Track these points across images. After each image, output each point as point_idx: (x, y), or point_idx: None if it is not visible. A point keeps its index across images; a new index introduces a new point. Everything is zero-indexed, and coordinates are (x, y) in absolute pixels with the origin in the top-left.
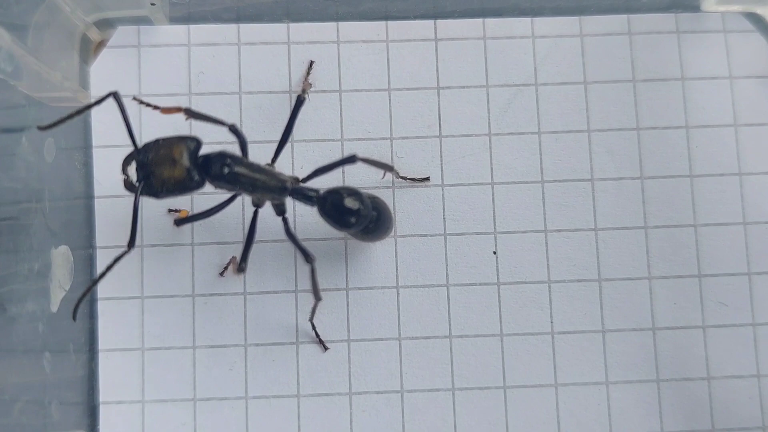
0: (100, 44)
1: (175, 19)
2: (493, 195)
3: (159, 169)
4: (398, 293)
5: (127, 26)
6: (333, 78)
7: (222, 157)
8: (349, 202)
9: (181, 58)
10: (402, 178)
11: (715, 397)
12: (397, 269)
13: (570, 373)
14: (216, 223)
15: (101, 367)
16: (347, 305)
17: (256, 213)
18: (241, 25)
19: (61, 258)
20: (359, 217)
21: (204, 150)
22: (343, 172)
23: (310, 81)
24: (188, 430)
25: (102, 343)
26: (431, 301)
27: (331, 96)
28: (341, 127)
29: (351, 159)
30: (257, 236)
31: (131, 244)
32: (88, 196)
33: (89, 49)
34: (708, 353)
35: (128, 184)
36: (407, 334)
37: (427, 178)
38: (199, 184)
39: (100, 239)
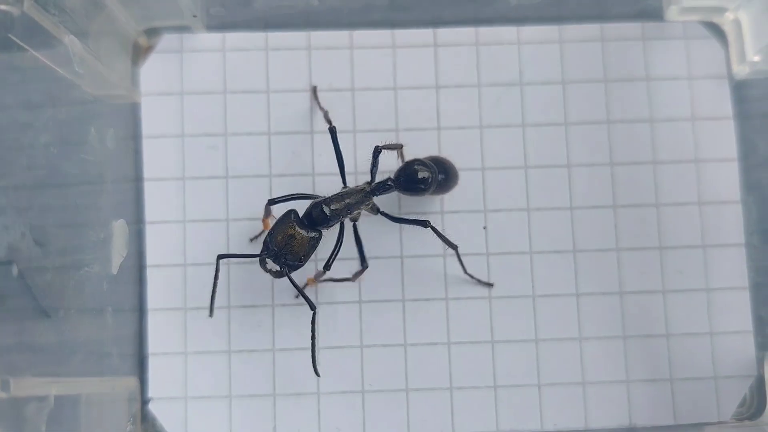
0: (148, 49)
1: (212, 28)
2: (483, 178)
3: (288, 249)
4: (402, 262)
5: (171, 34)
6: (347, 78)
7: (317, 205)
8: (421, 173)
9: (217, 62)
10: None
11: (673, 351)
12: (401, 242)
13: (549, 330)
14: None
15: (150, 324)
16: None
17: (354, 226)
18: (269, 33)
19: (120, 230)
20: (429, 183)
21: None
22: (355, 156)
23: (323, 107)
24: (224, 377)
25: (150, 303)
26: (430, 268)
27: (345, 94)
28: (354, 120)
29: (377, 151)
30: None
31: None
32: (138, 179)
33: (139, 54)
34: (667, 314)
35: (278, 275)
36: (409, 296)
37: None
38: (321, 234)
39: (148, 215)
